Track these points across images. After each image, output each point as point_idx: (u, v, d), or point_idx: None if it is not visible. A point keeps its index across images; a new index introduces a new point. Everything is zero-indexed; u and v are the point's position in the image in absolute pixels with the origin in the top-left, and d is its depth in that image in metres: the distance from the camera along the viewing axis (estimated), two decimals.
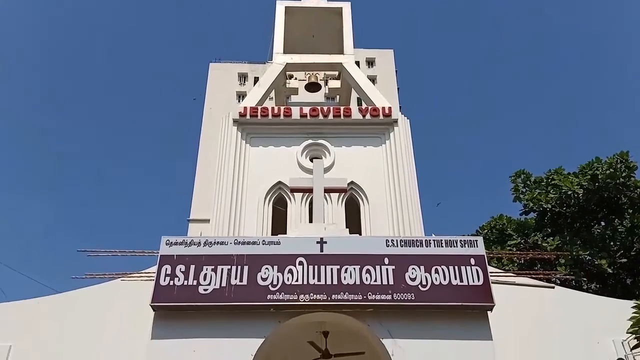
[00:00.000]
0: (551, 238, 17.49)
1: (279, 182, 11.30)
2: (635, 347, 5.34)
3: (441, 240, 7.36)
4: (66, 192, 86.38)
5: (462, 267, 7.02)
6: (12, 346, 8.29)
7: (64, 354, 8.29)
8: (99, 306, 8.69)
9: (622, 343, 8.14)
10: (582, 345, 8.53)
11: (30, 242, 79.88)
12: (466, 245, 7.29)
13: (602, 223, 18.73)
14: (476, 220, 76.21)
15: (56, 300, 8.92)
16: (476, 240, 7.38)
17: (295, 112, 12.13)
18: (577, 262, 16.83)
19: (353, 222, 10.74)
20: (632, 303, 5.75)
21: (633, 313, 5.32)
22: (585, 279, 17.48)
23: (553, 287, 9.31)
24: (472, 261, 7.09)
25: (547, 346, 8.58)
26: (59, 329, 8.52)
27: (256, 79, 29.35)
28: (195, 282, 6.73)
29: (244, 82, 38.45)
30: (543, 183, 19.14)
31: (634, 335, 5.37)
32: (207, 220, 11.89)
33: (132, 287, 8.02)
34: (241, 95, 35.11)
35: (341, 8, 14.86)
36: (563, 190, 18.05)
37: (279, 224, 10.88)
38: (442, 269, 6.99)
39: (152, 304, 6.62)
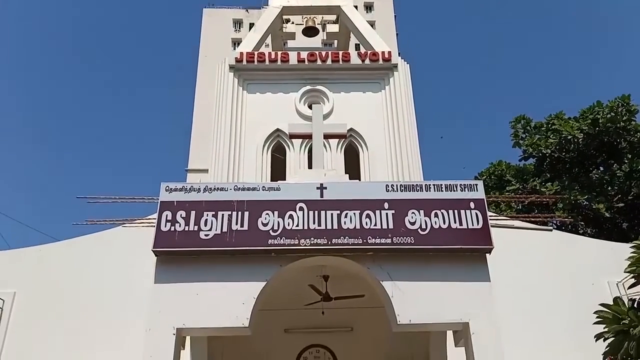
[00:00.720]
0: (550, 183, 17.56)
1: (277, 130, 11.18)
2: (632, 286, 5.40)
3: (441, 184, 7.29)
4: (64, 141, 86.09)
5: (462, 211, 6.99)
6: (16, 292, 8.43)
7: (67, 299, 8.44)
8: (102, 252, 8.78)
9: (616, 284, 8.29)
10: (577, 286, 8.70)
11: (29, 190, 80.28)
12: (466, 189, 7.24)
13: (601, 168, 18.75)
14: (475, 167, 76.39)
15: (59, 247, 9.00)
16: (476, 185, 7.33)
17: (293, 58, 11.85)
18: (574, 207, 16.98)
19: (352, 170, 10.70)
20: (628, 245, 5.77)
21: (632, 253, 5.36)
22: (582, 223, 17.69)
23: (551, 230, 9.41)
24: (472, 205, 7.06)
25: (543, 287, 8.76)
26: (63, 275, 8.63)
27: (252, 26, 28.52)
28: (196, 228, 6.73)
29: (239, 28, 37.54)
30: (543, 128, 19.03)
31: (631, 275, 5.42)
32: (205, 170, 11.87)
33: (135, 233, 8.07)
34: (236, 42, 34.25)
35: None
36: (563, 135, 17.98)
37: (278, 172, 10.85)
38: (442, 212, 6.96)
39: (154, 249, 6.66)
